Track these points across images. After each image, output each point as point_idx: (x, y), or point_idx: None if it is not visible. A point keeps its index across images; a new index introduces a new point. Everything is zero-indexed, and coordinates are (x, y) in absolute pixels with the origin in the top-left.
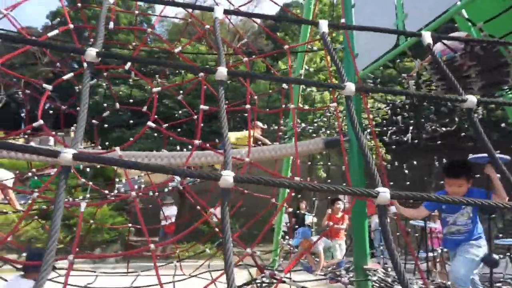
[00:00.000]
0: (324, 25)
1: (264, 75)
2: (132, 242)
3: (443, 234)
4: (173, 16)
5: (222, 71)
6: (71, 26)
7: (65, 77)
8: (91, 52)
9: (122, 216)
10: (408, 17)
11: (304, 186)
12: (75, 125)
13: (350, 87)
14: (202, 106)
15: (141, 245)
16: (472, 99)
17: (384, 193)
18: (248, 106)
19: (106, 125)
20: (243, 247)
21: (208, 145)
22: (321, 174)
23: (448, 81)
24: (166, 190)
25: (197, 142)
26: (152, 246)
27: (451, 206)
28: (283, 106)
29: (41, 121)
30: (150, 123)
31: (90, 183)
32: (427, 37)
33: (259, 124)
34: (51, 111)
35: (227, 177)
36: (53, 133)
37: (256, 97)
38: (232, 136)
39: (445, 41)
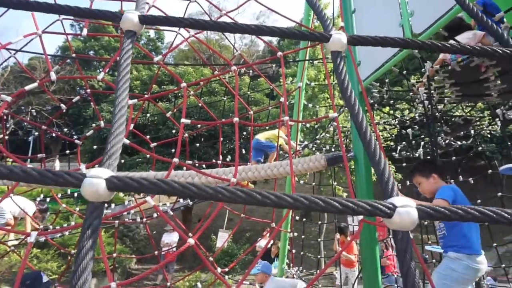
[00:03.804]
0: None
1: (192, 22)
2: (133, 271)
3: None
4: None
5: (129, 17)
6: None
7: (27, 87)
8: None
9: (122, 243)
10: (414, 15)
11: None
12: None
13: (339, 38)
14: (183, 120)
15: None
16: None
17: (405, 207)
18: (236, 119)
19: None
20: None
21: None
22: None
23: (463, 85)
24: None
25: (175, 160)
26: (113, 285)
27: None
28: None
29: None
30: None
31: (77, 208)
32: None
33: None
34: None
35: (95, 180)
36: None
37: (251, 112)
38: (262, 136)
39: (458, 38)
